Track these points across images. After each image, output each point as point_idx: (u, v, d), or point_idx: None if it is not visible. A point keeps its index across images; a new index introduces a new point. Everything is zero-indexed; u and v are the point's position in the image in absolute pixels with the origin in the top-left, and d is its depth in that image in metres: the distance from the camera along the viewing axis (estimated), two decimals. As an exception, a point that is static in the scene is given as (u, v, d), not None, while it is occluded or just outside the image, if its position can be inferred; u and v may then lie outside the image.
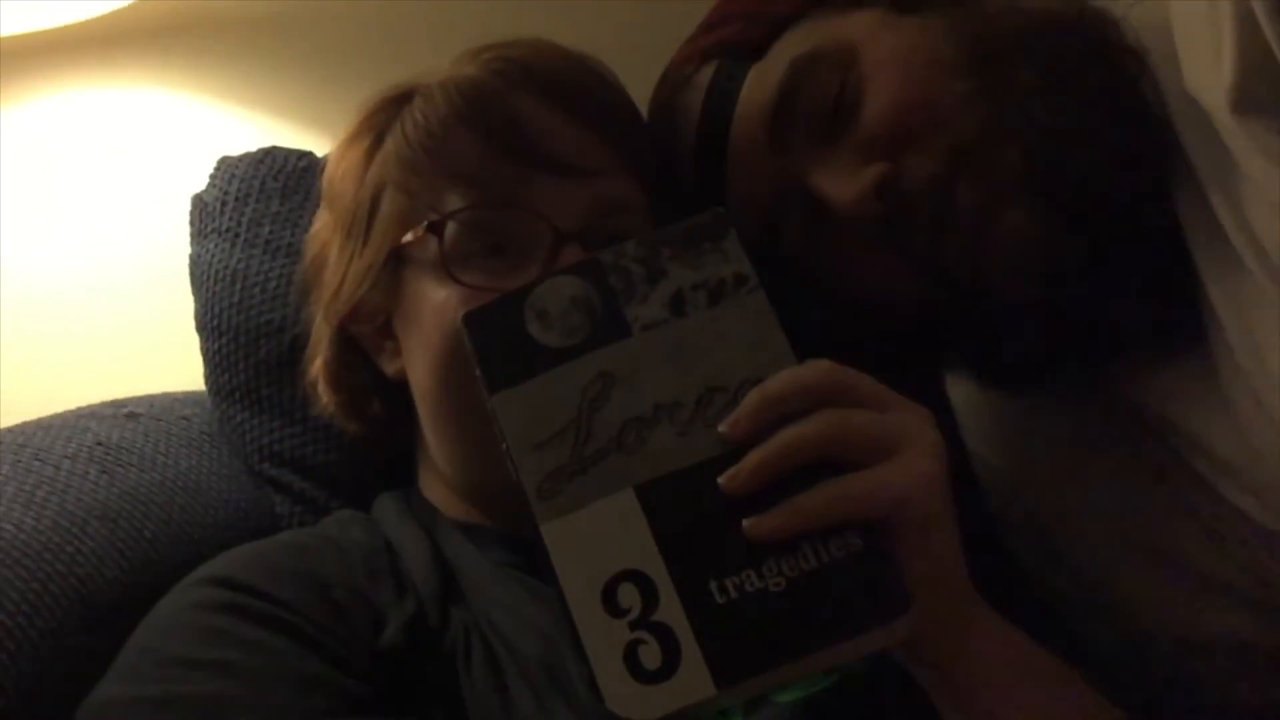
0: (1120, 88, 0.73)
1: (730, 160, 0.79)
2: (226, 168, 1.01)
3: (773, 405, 0.54)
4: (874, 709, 0.65)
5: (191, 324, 1.00)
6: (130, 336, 1.23)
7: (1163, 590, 0.79)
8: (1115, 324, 0.75)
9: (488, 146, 0.76)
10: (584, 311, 0.57)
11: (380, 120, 0.82)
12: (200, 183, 1.03)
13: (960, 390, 0.93)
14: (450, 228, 0.75)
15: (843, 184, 0.73)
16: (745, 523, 0.52)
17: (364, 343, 0.83)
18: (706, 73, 0.81)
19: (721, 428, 0.54)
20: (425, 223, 0.75)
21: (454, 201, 0.76)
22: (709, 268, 0.58)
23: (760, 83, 0.78)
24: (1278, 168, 0.63)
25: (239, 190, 0.98)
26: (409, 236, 0.77)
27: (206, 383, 0.97)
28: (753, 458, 0.53)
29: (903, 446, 0.55)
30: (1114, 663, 0.80)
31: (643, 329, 0.57)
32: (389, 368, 0.82)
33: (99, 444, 0.86)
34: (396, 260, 0.78)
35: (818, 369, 0.56)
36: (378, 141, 0.82)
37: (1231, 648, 0.77)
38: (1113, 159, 0.71)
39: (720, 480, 0.53)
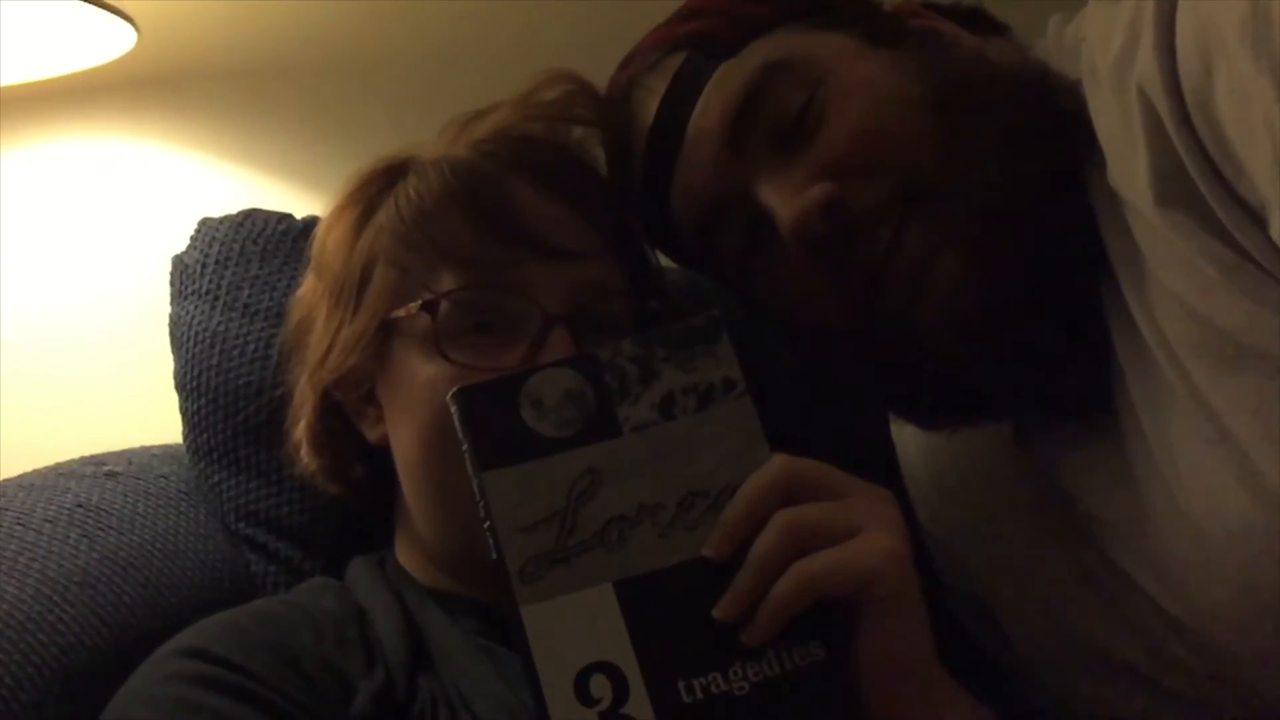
0: (1069, 163, 0.74)
1: (683, 152, 0.80)
2: (207, 230, 1.03)
3: (741, 524, 0.58)
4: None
5: (170, 375, 1.01)
6: (113, 385, 1.25)
7: (1086, 673, 0.81)
8: (1026, 387, 0.76)
9: (480, 228, 0.78)
10: (578, 406, 0.60)
11: (372, 191, 0.84)
12: (186, 233, 1.05)
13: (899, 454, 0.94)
14: (442, 306, 0.77)
15: (789, 199, 0.74)
16: (742, 635, 0.57)
17: (347, 408, 0.84)
18: (674, 60, 0.81)
19: (705, 551, 0.58)
20: (420, 300, 0.77)
21: (447, 280, 0.78)
22: (700, 371, 0.61)
23: (726, 81, 0.78)
24: (1200, 256, 0.65)
25: (219, 253, 1.00)
26: (401, 311, 0.78)
27: (185, 441, 0.99)
28: (739, 584, 0.58)
29: (864, 527, 0.59)
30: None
31: (633, 429, 0.60)
32: (371, 434, 0.83)
33: (79, 505, 0.87)
34: (385, 331, 0.80)
35: (772, 471, 0.59)
36: (369, 212, 0.83)
37: None
38: (1050, 232, 0.72)
39: (715, 614, 0.57)
